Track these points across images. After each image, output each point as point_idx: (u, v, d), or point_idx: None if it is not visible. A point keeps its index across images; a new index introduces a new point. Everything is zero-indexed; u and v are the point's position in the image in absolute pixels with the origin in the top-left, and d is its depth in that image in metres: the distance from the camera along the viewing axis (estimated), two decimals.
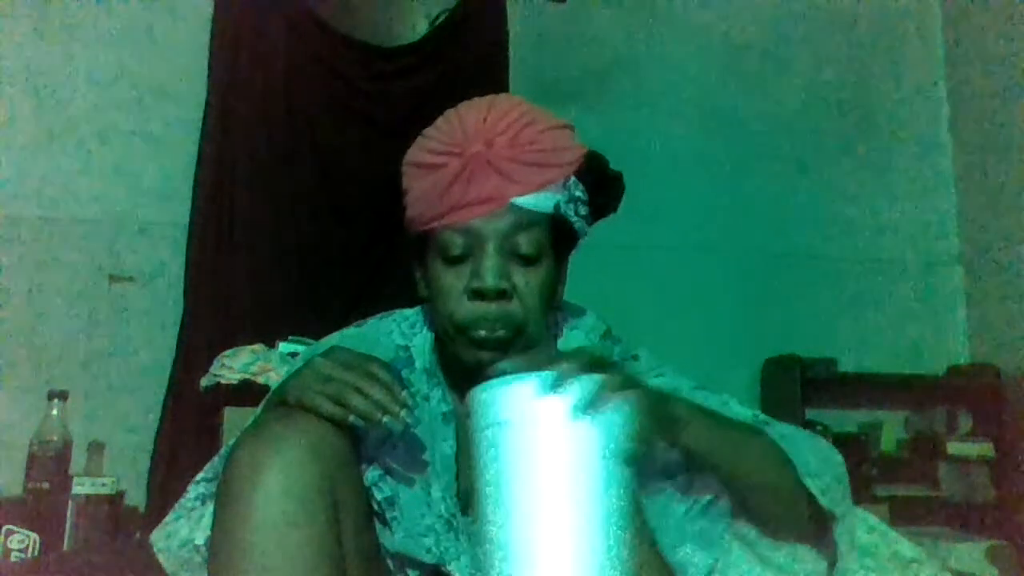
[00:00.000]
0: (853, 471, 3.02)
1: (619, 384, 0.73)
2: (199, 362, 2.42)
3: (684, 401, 0.85)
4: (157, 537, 0.96)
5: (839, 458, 0.93)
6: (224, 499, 0.80)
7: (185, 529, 0.93)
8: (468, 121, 0.93)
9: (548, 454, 0.70)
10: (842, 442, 2.92)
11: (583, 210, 0.94)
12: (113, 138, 2.77)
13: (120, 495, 2.29)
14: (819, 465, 0.89)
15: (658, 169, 2.99)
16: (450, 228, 0.91)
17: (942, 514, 2.91)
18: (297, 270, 2.72)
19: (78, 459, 2.30)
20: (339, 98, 2.84)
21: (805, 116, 3.27)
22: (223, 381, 2.21)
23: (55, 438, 2.22)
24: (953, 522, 2.89)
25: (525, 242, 0.91)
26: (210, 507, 0.85)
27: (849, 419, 3.08)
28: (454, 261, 0.92)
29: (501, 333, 0.91)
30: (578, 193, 0.94)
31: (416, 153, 0.97)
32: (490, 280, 0.90)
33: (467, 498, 1.02)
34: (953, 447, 2.92)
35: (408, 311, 1.09)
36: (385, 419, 0.84)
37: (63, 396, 2.27)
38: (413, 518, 0.97)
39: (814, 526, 0.91)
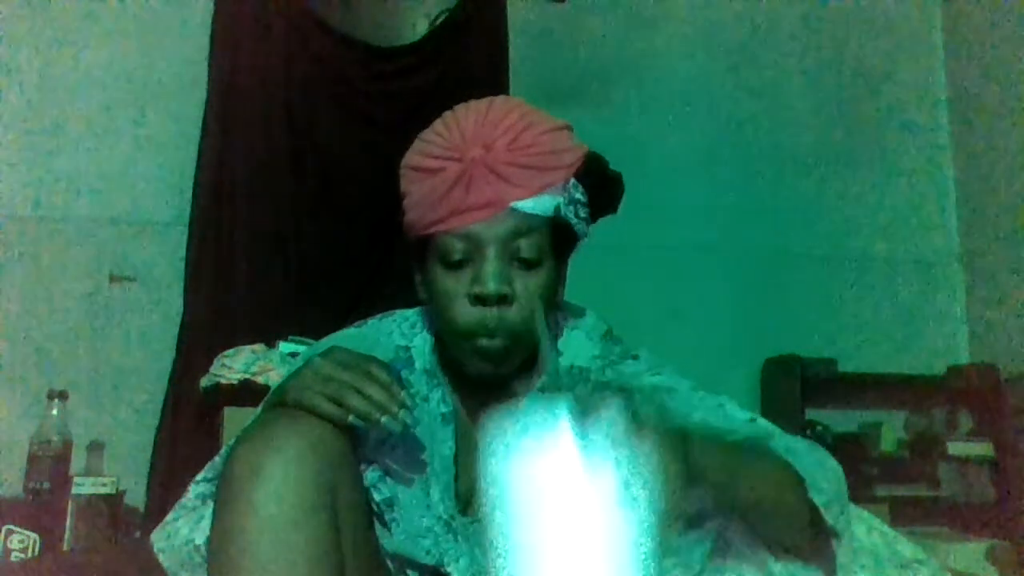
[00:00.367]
0: (853, 471, 3.02)
1: (647, 420, 0.69)
2: (199, 362, 2.42)
3: (692, 429, 0.81)
4: (157, 537, 0.96)
5: (839, 471, 0.92)
6: (223, 499, 0.80)
7: (185, 529, 0.93)
8: (466, 125, 0.92)
9: (565, 491, 0.65)
10: (842, 442, 2.93)
11: (583, 212, 0.94)
12: (113, 138, 2.77)
13: (120, 495, 2.29)
14: (823, 480, 0.87)
15: (658, 169, 2.99)
16: (450, 233, 0.91)
17: (942, 514, 2.91)
18: (297, 270, 2.71)
19: (78, 459, 2.31)
20: (339, 98, 2.84)
21: (805, 116, 3.27)
22: (223, 381, 2.21)
23: (55, 438, 2.22)
24: (953, 522, 2.90)
25: (526, 246, 0.91)
26: (210, 507, 0.85)
27: (849, 419, 3.08)
28: (454, 266, 0.91)
29: (499, 342, 0.91)
30: (578, 195, 0.93)
31: (414, 157, 0.96)
32: (491, 285, 0.89)
33: (466, 499, 1.02)
34: (953, 447, 2.92)
35: (408, 311, 1.08)
36: (384, 419, 0.84)
37: (63, 396, 2.27)
38: (412, 519, 0.97)
39: (814, 541, 0.90)
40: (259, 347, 2.29)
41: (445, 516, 0.97)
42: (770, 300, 3.08)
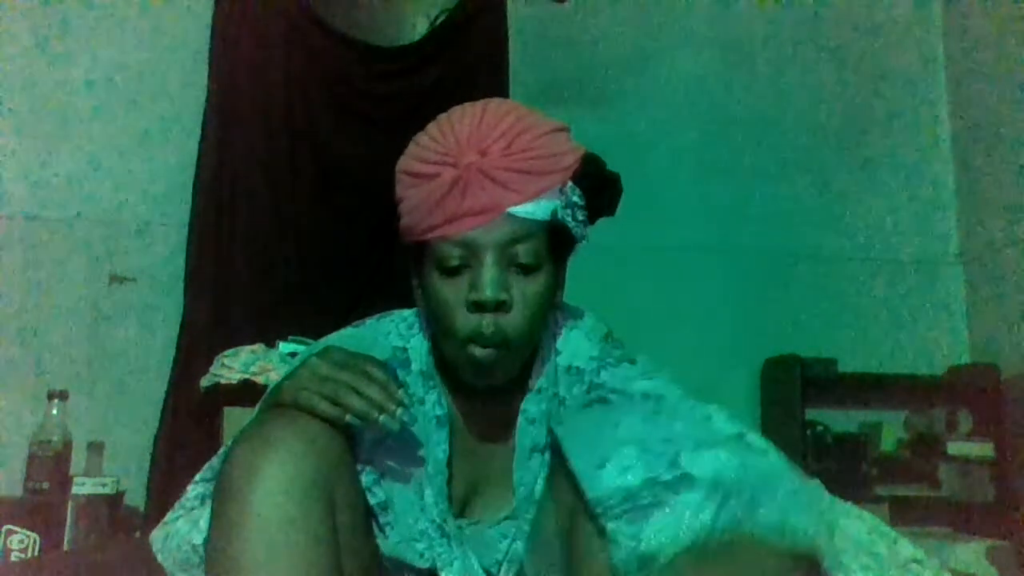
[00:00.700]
0: (853, 471, 3.02)
1: None
2: (199, 362, 2.42)
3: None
4: (156, 537, 0.96)
5: (818, 496, 0.88)
6: (221, 499, 0.80)
7: (184, 529, 0.93)
8: (460, 129, 0.91)
9: None
10: (842, 442, 2.93)
11: (581, 215, 0.93)
12: (113, 138, 2.77)
13: (120, 495, 2.29)
14: (807, 525, 0.80)
15: (658, 169, 3.00)
16: (446, 239, 0.90)
17: (942, 514, 2.91)
18: (297, 270, 2.71)
19: (78, 459, 2.31)
20: (339, 98, 2.84)
21: (805, 116, 3.27)
22: (223, 381, 2.21)
23: (55, 438, 2.22)
24: (953, 522, 2.90)
25: (523, 252, 0.90)
26: (209, 507, 0.85)
27: (849, 419, 3.07)
28: (451, 272, 0.91)
29: (492, 352, 0.91)
30: (575, 198, 0.92)
31: (409, 162, 0.95)
32: (489, 292, 0.89)
33: (460, 503, 1.01)
34: (953, 447, 2.91)
35: (406, 312, 1.08)
36: (382, 418, 0.84)
37: (63, 396, 2.27)
38: (406, 523, 0.96)
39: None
40: (259, 347, 2.29)
41: (439, 519, 0.97)
42: (770, 300, 3.08)
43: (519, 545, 0.99)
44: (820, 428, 2.93)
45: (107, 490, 2.19)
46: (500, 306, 0.89)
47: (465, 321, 0.90)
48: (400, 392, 0.86)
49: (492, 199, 0.89)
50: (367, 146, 2.74)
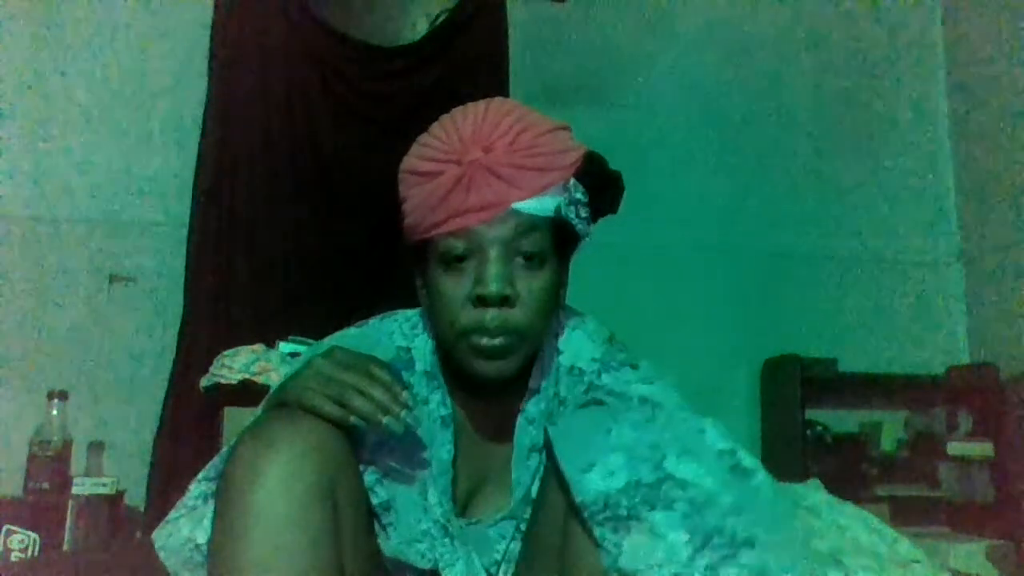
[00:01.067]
0: (853, 471, 3.02)
1: None
2: (199, 362, 2.42)
3: None
4: (159, 536, 0.96)
5: (806, 541, 0.86)
6: (224, 499, 0.81)
7: (187, 528, 0.93)
8: (464, 127, 0.92)
9: None
10: (842, 442, 2.93)
11: (584, 212, 0.94)
12: (113, 138, 2.77)
13: (120, 495, 2.29)
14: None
15: (658, 169, 3.00)
16: (451, 235, 0.91)
17: (942, 514, 2.91)
18: (297, 270, 2.71)
19: (78, 459, 2.31)
20: (339, 98, 2.84)
21: (805, 116, 3.27)
22: (223, 381, 2.20)
23: (55, 438, 2.22)
24: (953, 522, 2.90)
25: (527, 247, 0.91)
26: (212, 506, 0.85)
27: (849, 419, 3.08)
28: (456, 268, 0.91)
29: (501, 341, 0.90)
30: (578, 195, 0.93)
31: (413, 161, 0.95)
32: (494, 286, 0.89)
33: (463, 502, 1.01)
34: (953, 447, 2.91)
35: (410, 312, 1.08)
36: (386, 420, 0.84)
37: (63, 396, 2.27)
38: (408, 523, 0.96)
39: None
40: (259, 347, 2.29)
41: (442, 519, 0.97)
42: (770, 300, 3.08)
43: (517, 545, 0.99)
44: (820, 428, 2.93)
45: (107, 490, 2.19)
46: (505, 301, 0.90)
47: (467, 315, 0.91)
48: (404, 394, 0.86)
49: (497, 195, 0.89)
50: (367, 146, 2.74)
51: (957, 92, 3.36)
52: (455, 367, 0.97)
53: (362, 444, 0.92)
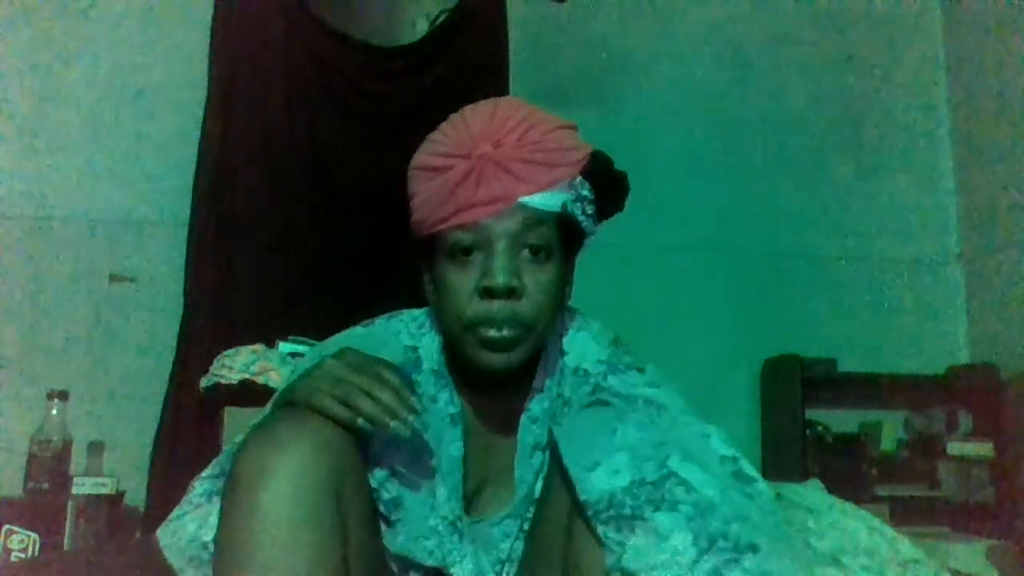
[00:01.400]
0: (853, 471, 3.01)
1: None
2: (199, 362, 2.42)
3: None
4: (163, 534, 0.96)
5: (804, 548, 0.88)
6: (231, 499, 0.81)
7: (192, 526, 0.93)
8: (474, 124, 0.94)
9: None
10: (842, 442, 2.93)
11: (590, 209, 0.95)
12: (113, 138, 2.77)
13: (120, 495, 2.29)
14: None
15: (658, 169, 3.00)
16: (459, 228, 0.92)
17: (942, 514, 2.91)
18: (297, 270, 2.71)
19: (78, 459, 2.31)
20: (339, 98, 2.84)
21: (805, 116, 3.27)
22: (223, 381, 2.20)
23: (55, 438, 2.22)
24: (953, 522, 2.89)
25: (534, 240, 0.92)
26: (217, 504, 0.86)
27: (849, 419, 3.08)
28: (463, 261, 0.92)
29: (508, 333, 0.91)
30: (585, 192, 0.94)
31: (422, 157, 0.97)
32: (501, 278, 0.90)
33: (468, 500, 1.02)
34: (953, 447, 2.92)
35: (416, 311, 1.08)
36: (393, 424, 0.84)
37: (63, 396, 2.27)
38: (417, 520, 0.97)
39: None
40: (259, 347, 2.29)
41: (451, 516, 0.98)
42: (770, 300, 3.08)
43: (520, 545, 0.99)
44: (820, 428, 2.93)
45: (107, 490, 2.19)
46: (511, 293, 0.91)
47: (474, 307, 0.91)
48: (413, 399, 0.87)
49: (505, 189, 0.91)
50: (367, 146, 2.74)
51: (957, 92, 3.36)
52: (461, 362, 0.98)
53: (370, 441, 0.93)
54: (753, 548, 0.75)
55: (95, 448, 2.36)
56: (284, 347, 2.30)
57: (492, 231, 0.91)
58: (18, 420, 2.40)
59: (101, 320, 2.66)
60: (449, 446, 0.99)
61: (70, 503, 2.14)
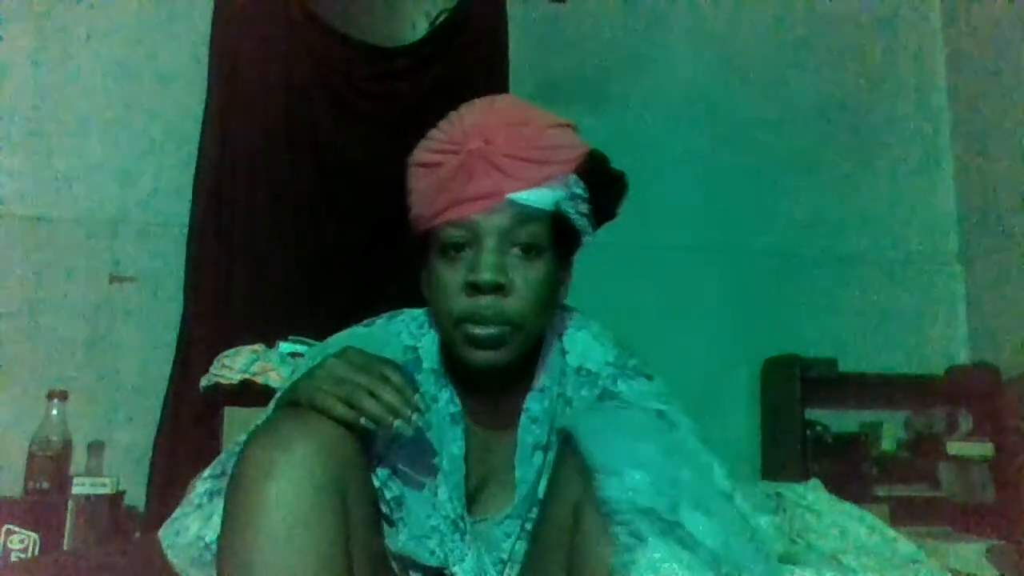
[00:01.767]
0: (853, 471, 3.02)
1: None
2: (199, 362, 2.42)
3: None
4: (165, 534, 0.96)
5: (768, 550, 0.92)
6: (234, 499, 0.81)
7: (195, 526, 0.93)
8: (468, 120, 0.95)
9: None
10: (842, 442, 2.93)
11: (584, 208, 0.95)
12: (113, 138, 2.77)
13: (120, 495, 2.30)
14: None
15: (658, 169, 2.99)
16: (450, 224, 0.92)
17: (942, 514, 2.91)
18: (297, 270, 2.71)
19: (78, 459, 2.31)
20: (339, 98, 2.84)
21: (805, 116, 3.27)
22: (223, 381, 2.21)
23: (55, 438, 2.23)
24: (953, 522, 2.89)
25: (524, 237, 0.92)
26: (220, 504, 0.86)
27: (849, 419, 3.08)
28: (453, 256, 0.92)
29: (494, 330, 0.91)
30: (579, 191, 0.94)
31: (418, 153, 0.98)
32: (487, 274, 0.90)
33: (470, 499, 1.02)
34: (953, 447, 2.91)
35: (416, 311, 1.08)
36: (396, 423, 0.84)
37: (63, 396, 2.27)
38: (419, 519, 0.97)
39: None
40: (259, 347, 2.29)
41: (453, 515, 0.98)
42: (770, 300, 3.08)
43: (521, 545, 0.99)
44: (820, 428, 2.93)
45: (107, 490, 2.19)
46: (497, 288, 0.90)
47: (462, 303, 0.91)
48: (416, 397, 0.87)
49: (494, 185, 0.91)
50: (367, 146, 2.74)
51: (957, 92, 3.36)
52: (457, 362, 0.98)
53: (373, 440, 0.93)
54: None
55: (95, 448, 2.37)
56: (284, 347, 2.30)
57: (481, 227, 0.91)
58: (18, 420, 2.40)
59: (101, 320, 2.66)
60: (451, 445, 0.99)
61: (70, 503, 2.14)
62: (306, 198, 2.76)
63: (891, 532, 1.48)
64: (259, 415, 1.00)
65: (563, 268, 0.99)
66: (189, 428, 2.46)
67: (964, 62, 3.33)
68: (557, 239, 0.95)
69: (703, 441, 0.92)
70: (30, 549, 2.07)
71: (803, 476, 2.44)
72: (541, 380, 1.02)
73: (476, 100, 0.98)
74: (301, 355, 2.09)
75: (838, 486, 1.97)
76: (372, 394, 0.85)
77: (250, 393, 2.10)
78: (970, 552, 2.50)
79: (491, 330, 0.91)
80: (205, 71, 2.80)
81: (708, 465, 0.87)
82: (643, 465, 0.81)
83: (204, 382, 2.30)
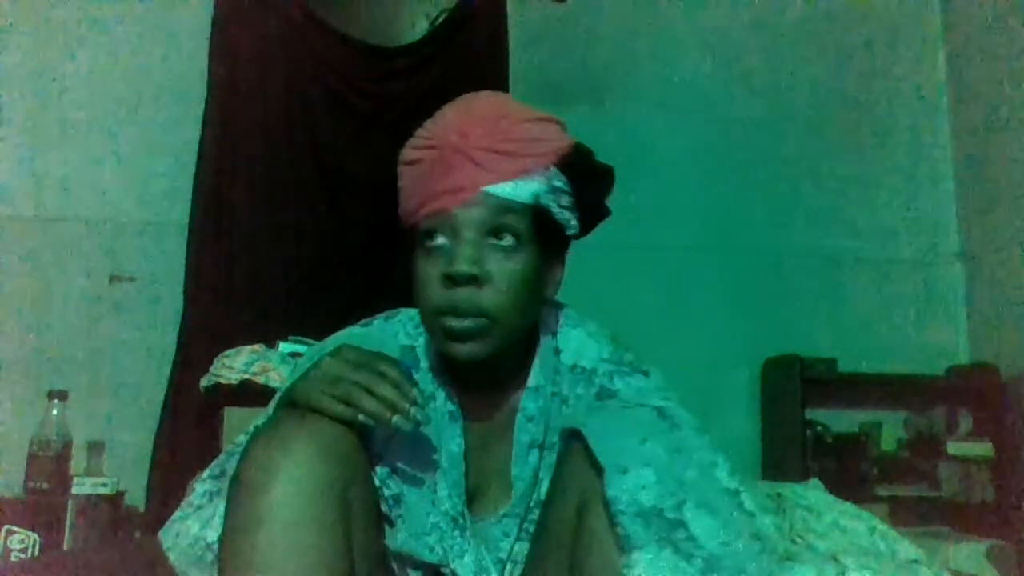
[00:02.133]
0: (853, 471, 3.02)
1: None
2: (199, 362, 2.42)
3: None
4: (166, 536, 0.96)
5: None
6: (235, 501, 0.81)
7: (195, 527, 0.93)
8: (448, 115, 0.96)
9: None
10: (842, 442, 2.93)
11: (567, 201, 0.95)
12: (113, 138, 2.77)
13: (120, 495, 2.29)
14: None
15: (658, 169, 2.99)
16: (430, 218, 0.93)
17: (942, 514, 2.91)
18: (297, 270, 2.71)
19: (78, 459, 2.31)
20: (339, 98, 2.84)
21: (804, 115, 3.27)
22: (223, 381, 2.20)
23: (55, 438, 2.22)
24: (953, 522, 2.90)
25: (501, 230, 0.92)
26: (220, 505, 0.86)
27: (849, 419, 3.08)
28: (432, 249, 0.93)
29: (470, 323, 0.91)
30: (559, 184, 0.94)
31: (404, 151, 0.99)
32: (463, 265, 0.90)
33: (471, 496, 1.02)
34: (953, 447, 2.92)
35: (413, 311, 1.08)
36: (395, 419, 0.85)
37: (63, 396, 2.27)
38: (418, 516, 0.97)
39: None
40: (259, 347, 2.29)
41: (453, 512, 0.98)
42: (770, 300, 3.08)
43: (521, 546, 0.99)
44: (820, 428, 2.93)
45: (107, 490, 2.19)
46: (472, 280, 0.90)
47: (440, 295, 0.91)
48: (414, 391, 0.87)
49: (469, 178, 0.91)
50: (367, 146, 2.74)
51: (957, 92, 3.36)
52: (445, 358, 0.98)
53: (373, 438, 0.93)
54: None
55: (95, 448, 2.36)
56: (284, 347, 2.30)
57: (459, 220, 0.91)
58: (18, 420, 2.40)
59: (101, 320, 2.66)
60: (449, 442, 0.99)
61: (70, 503, 2.14)
62: (306, 198, 2.76)
63: (891, 532, 1.47)
64: (259, 415, 1.01)
65: (549, 262, 0.98)
66: (189, 428, 2.46)
67: (964, 62, 3.33)
68: (539, 232, 0.95)
69: (706, 435, 0.91)
70: (30, 549, 2.06)
71: (803, 476, 2.44)
72: (535, 378, 1.02)
73: (460, 97, 0.99)
74: (301, 355, 2.09)
75: (838, 486, 1.96)
76: (369, 391, 0.85)
77: (250, 393, 2.10)
78: (970, 552, 2.51)
79: (466, 323, 0.91)
80: (205, 71, 2.80)
81: (712, 463, 0.86)
82: (652, 463, 0.81)
83: (204, 382, 2.29)
